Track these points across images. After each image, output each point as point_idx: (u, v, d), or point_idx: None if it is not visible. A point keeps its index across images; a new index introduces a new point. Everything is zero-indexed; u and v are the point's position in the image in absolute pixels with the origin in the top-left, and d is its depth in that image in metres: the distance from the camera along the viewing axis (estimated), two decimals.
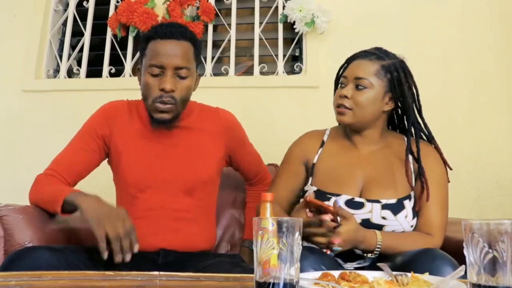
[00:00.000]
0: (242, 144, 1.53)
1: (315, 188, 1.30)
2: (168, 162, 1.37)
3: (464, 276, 0.70)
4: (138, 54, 1.39)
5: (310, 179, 1.35)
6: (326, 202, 1.21)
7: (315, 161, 1.36)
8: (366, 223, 1.20)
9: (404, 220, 1.23)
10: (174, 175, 1.37)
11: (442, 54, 2.13)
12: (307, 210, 1.13)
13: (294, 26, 2.18)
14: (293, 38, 2.26)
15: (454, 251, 1.17)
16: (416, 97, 1.36)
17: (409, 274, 0.83)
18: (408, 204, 1.25)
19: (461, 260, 0.70)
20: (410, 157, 1.32)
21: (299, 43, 2.28)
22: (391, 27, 2.17)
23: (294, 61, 2.28)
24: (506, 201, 1.96)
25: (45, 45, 2.37)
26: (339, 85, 1.35)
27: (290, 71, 2.25)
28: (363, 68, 1.31)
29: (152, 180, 1.36)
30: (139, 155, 1.37)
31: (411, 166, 1.31)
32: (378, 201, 1.24)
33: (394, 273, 0.85)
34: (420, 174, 1.28)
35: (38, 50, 2.34)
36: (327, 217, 1.09)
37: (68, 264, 1.11)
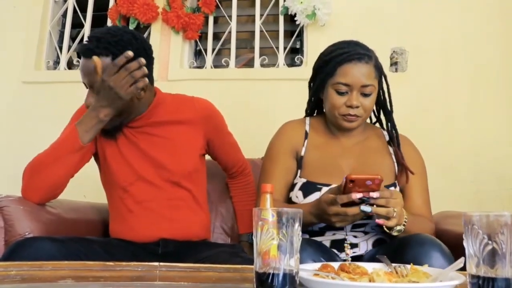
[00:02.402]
0: (220, 133, 1.51)
1: (304, 180, 1.30)
2: (149, 159, 1.37)
3: (464, 268, 0.70)
4: None
5: (299, 171, 1.34)
6: (323, 191, 1.22)
7: (302, 153, 1.35)
8: None
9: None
10: (157, 170, 1.37)
11: (442, 47, 2.13)
12: (351, 194, 1.05)
13: (295, 18, 2.17)
14: (294, 30, 2.25)
15: (453, 244, 1.17)
16: (388, 89, 1.38)
17: (408, 266, 0.83)
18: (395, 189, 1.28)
19: (461, 252, 0.70)
20: (391, 148, 1.37)
21: (300, 35, 2.27)
22: (392, 20, 2.16)
23: (295, 54, 2.27)
24: (505, 195, 1.96)
25: (45, 37, 2.37)
26: (336, 91, 1.28)
27: (291, 63, 2.25)
28: (365, 74, 1.27)
29: (138, 175, 1.36)
30: (120, 154, 1.37)
31: (393, 156, 1.36)
32: None
33: (394, 264, 0.86)
34: (399, 160, 1.33)
35: (38, 41, 2.33)
36: (376, 194, 1.04)
37: (69, 254, 1.11)
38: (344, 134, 1.37)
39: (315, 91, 1.39)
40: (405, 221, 1.15)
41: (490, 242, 0.63)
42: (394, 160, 1.35)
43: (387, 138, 1.40)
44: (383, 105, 1.39)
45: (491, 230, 0.64)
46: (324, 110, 1.41)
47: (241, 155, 1.60)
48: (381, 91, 1.36)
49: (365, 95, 1.28)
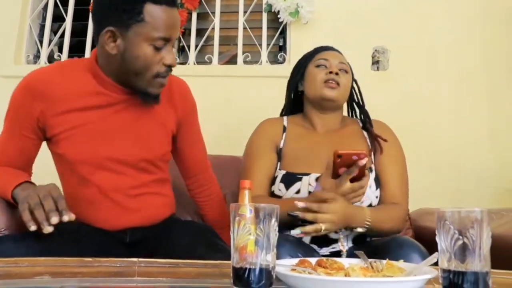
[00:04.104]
0: (192, 119, 1.37)
1: (284, 172, 1.33)
2: (121, 140, 1.22)
3: (437, 263, 0.71)
4: (107, 14, 1.14)
5: (279, 164, 1.37)
6: (299, 184, 1.27)
7: (281, 146, 1.39)
8: None
9: (369, 190, 1.28)
10: (128, 154, 1.22)
11: (424, 46, 2.16)
12: (338, 169, 1.11)
13: (278, 16, 2.17)
14: (277, 27, 2.26)
15: (431, 240, 1.19)
16: (359, 90, 1.48)
17: (383, 261, 0.84)
18: (370, 176, 1.29)
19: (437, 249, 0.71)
20: (366, 133, 1.42)
21: (283, 33, 2.28)
22: (374, 19, 2.18)
23: (278, 51, 2.28)
24: (485, 194, 2.00)
25: (25, 30, 2.32)
26: (318, 66, 1.39)
27: (274, 60, 2.26)
28: (341, 57, 1.43)
29: (102, 160, 1.21)
30: (85, 133, 1.19)
31: (367, 140, 1.40)
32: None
33: (370, 260, 0.87)
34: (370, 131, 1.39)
35: (18, 35, 2.29)
36: (364, 161, 1.09)
37: (28, 252, 1.02)
38: (322, 123, 1.42)
39: (296, 82, 1.46)
40: (367, 222, 1.19)
41: (460, 237, 0.65)
42: (369, 143, 1.39)
43: (360, 124, 1.46)
44: (356, 102, 1.47)
45: (462, 226, 0.65)
46: (303, 108, 1.47)
47: (209, 163, 1.46)
48: (353, 91, 1.46)
49: (342, 71, 1.38)
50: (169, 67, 1.16)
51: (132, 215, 1.25)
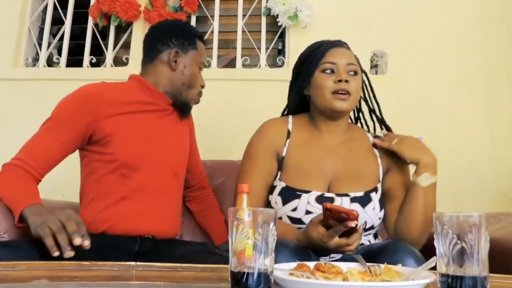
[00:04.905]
0: (194, 132, 1.62)
1: (284, 184, 1.27)
2: (161, 144, 1.40)
3: (435, 267, 0.71)
4: (172, 39, 1.49)
5: (279, 173, 1.30)
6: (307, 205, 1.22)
7: (284, 154, 1.31)
8: None
9: (372, 212, 1.24)
10: (166, 157, 1.40)
11: (423, 50, 2.16)
12: (328, 220, 1.04)
13: (277, 20, 2.18)
14: (276, 31, 2.26)
15: (429, 244, 1.19)
16: (371, 88, 1.41)
17: (382, 265, 0.84)
18: (375, 197, 1.26)
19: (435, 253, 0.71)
20: (376, 151, 1.35)
21: (282, 37, 2.28)
22: (374, 22, 2.19)
23: (277, 55, 2.28)
24: (484, 195, 2.01)
25: (24, 33, 2.32)
26: (324, 72, 1.29)
27: (273, 64, 2.26)
28: (349, 56, 1.33)
29: (145, 161, 1.35)
30: (132, 136, 1.35)
31: (378, 159, 1.34)
32: (346, 195, 1.25)
33: (368, 264, 0.87)
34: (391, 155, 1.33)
35: (17, 37, 2.29)
36: (353, 224, 0.99)
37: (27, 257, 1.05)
38: (330, 130, 1.34)
39: (300, 87, 1.37)
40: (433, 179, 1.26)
41: (459, 241, 0.65)
42: (380, 163, 1.33)
43: (371, 139, 1.38)
44: (366, 101, 1.41)
45: (461, 230, 0.65)
46: (309, 108, 1.39)
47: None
48: (364, 85, 1.38)
49: (351, 74, 1.29)
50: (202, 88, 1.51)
51: (151, 219, 1.33)
